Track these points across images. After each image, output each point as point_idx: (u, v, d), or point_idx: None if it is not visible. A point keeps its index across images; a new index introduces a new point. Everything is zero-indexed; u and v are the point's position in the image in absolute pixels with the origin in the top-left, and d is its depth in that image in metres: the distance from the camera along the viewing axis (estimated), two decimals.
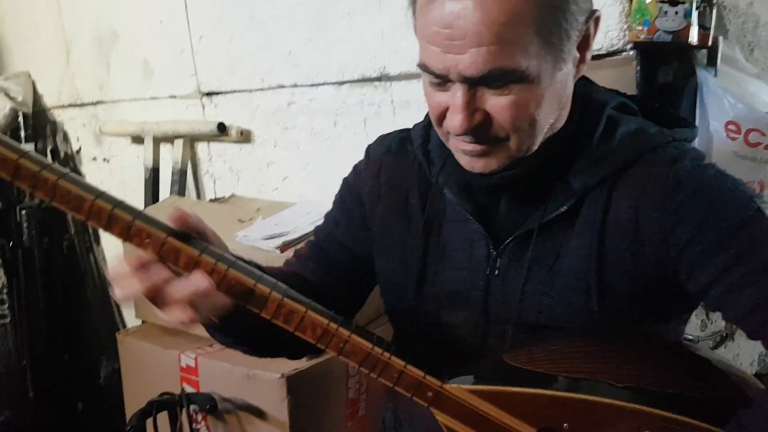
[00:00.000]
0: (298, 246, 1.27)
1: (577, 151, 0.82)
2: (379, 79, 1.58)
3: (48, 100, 2.52)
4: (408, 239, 0.91)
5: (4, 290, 2.26)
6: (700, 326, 1.40)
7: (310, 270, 0.96)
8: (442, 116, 0.77)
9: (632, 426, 0.73)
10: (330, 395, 1.37)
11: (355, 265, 0.96)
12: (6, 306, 2.25)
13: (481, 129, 0.74)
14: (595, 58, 1.24)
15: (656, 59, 1.22)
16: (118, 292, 0.70)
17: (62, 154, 2.52)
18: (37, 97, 2.54)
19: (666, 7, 1.12)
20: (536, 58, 0.70)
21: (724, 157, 1.22)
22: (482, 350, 0.87)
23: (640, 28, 1.15)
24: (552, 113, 0.77)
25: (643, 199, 0.78)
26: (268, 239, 1.29)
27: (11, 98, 2.45)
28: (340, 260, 0.96)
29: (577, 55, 0.76)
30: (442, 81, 0.74)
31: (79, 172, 2.52)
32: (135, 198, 2.22)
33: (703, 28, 1.15)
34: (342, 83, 1.65)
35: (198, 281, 0.70)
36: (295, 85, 1.74)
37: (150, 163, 2.08)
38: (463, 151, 0.78)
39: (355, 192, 0.96)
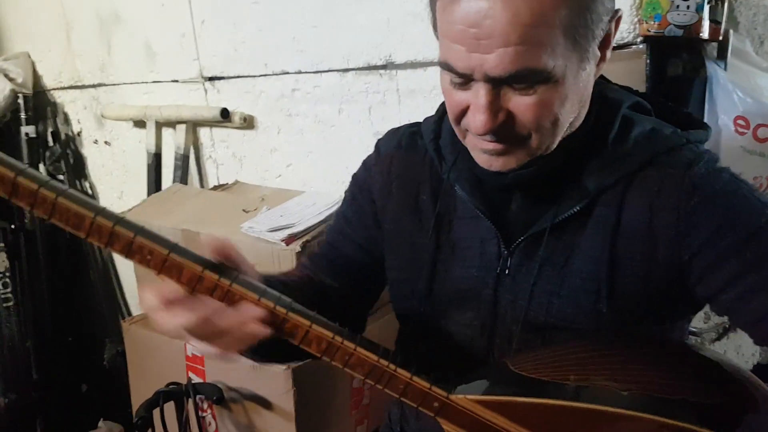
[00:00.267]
0: (304, 238, 1.27)
1: (592, 151, 0.81)
2: (384, 67, 1.56)
3: (48, 82, 2.49)
4: (418, 236, 0.90)
5: (7, 274, 2.27)
6: (703, 319, 1.40)
7: (324, 270, 0.95)
8: (461, 114, 0.76)
9: None
10: (335, 386, 1.38)
11: (368, 262, 0.96)
12: (9, 290, 2.26)
13: (503, 128, 0.73)
14: None
15: (666, 52, 1.20)
16: (164, 325, 0.69)
17: (63, 136, 2.51)
18: (36, 78, 2.51)
19: (678, 1, 1.10)
20: (562, 58, 0.69)
21: (733, 152, 1.21)
22: (489, 350, 0.87)
23: (651, 22, 1.13)
24: (573, 112, 0.77)
25: (658, 202, 0.77)
26: (273, 231, 1.29)
27: (11, 79, 2.43)
28: (353, 259, 0.96)
29: (599, 54, 0.75)
30: (464, 80, 0.72)
31: (80, 155, 2.51)
32: (138, 183, 2.22)
33: (715, 22, 1.13)
34: (347, 71, 1.63)
35: (250, 311, 0.69)
36: (300, 72, 1.72)
37: (152, 148, 2.07)
38: (482, 150, 0.77)
39: (365, 189, 0.96)
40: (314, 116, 1.74)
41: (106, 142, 2.40)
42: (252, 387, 1.32)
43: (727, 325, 1.46)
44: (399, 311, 0.96)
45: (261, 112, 1.85)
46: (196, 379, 1.40)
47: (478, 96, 0.71)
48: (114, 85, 2.25)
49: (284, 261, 1.28)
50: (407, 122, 1.57)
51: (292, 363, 1.28)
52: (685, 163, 0.78)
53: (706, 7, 1.11)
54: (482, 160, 0.78)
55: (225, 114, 1.85)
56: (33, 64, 2.50)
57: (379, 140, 0.99)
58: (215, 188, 1.79)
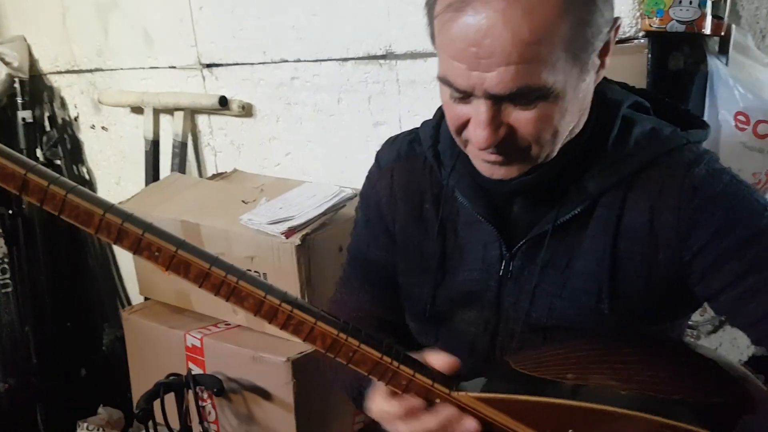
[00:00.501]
0: (303, 231, 1.28)
1: (592, 152, 0.82)
2: (384, 57, 1.56)
3: (44, 66, 2.47)
4: (425, 244, 0.92)
5: (6, 260, 2.27)
6: (699, 311, 1.42)
7: (357, 290, 1.00)
8: (462, 127, 0.76)
9: None
10: None
11: (396, 278, 0.97)
12: (8, 276, 2.26)
13: (504, 142, 0.74)
14: None
15: (668, 47, 1.20)
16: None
17: (60, 121, 2.49)
18: (33, 62, 2.49)
19: None
20: (562, 74, 0.69)
21: (733, 148, 1.21)
22: (491, 348, 0.89)
23: (653, 17, 1.13)
24: (573, 121, 0.77)
25: (659, 203, 0.78)
26: (273, 224, 1.29)
27: (7, 63, 2.40)
28: (383, 281, 0.98)
29: (598, 62, 0.75)
30: (464, 95, 0.73)
31: (77, 140, 2.50)
32: (135, 169, 2.21)
33: (717, 17, 1.13)
34: (346, 60, 1.62)
35: (472, 426, 0.75)
36: (299, 60, 1.71)
37: (150, 135, 2.06)
38: (484, 160, 0.78)
39: (374, 206, 0.97)
40: (313, 105, 1.73)
41: (103, 128, 2.39)
42: (252, 378, 1.33)
43: (722, 318, 1.48)
44: (408, 315, 0.97)
45: (260, 100, 1.85)
46: (196, 370, 1.40)
47: (478, 111, 0.71)
48: (111, 70, 2.24)
49: (284, 254, 1.28)
50: (407, 113, 1.59)
51: (291, 355, 1.30)
52: (686, 164, 0.79)
53: (709, 3, 1.11)
54: (484, 169, 0.79)
55: (223, 102, 1.84)
56: (29, 47, 2.47)
57: (378, 152, 0.99)
58: (214, 177, 1.79)
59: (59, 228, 2.45)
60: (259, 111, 1.86)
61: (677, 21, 1.11)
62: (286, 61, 1.74)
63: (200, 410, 1.34)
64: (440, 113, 0.92)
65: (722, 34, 1.17)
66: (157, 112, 2.05)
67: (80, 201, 0.70)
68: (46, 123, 2.47)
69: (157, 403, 1.26)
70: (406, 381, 0.76)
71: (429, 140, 0.92)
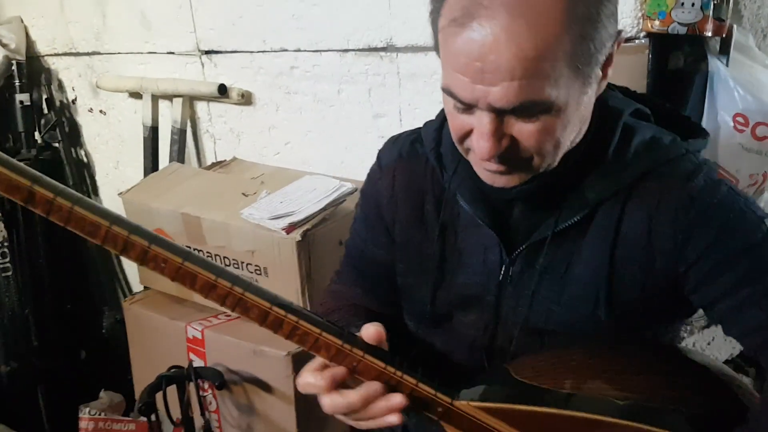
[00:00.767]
0: (304, 227, 1.29)
1: (593, 161, 0.82)
2: (385, 49, 1.55)
3: (41, 47, 2.45)
4: (425, 245, 0.93)
5: (5, 243, 2.28)
6: None
7: (355, 282, 1.01)
8: (465, 136, 0.77)
9: None
10: None
11: (393, 276, 0.99)
12: (7, 259, 2.27)
13: (506, 153, 0.75)
14: None
15: (668, 49, 1.20)
16: (329, 406, 0.76)
17: (57, 104, 2.48)
18: (29, 44, 2.47)
19: None
20: (565, 88, 0.70)
21: (731, 149, 1.22)
22: (490, 350, 0.91)
23: (655, 18, 1.13)
24: (575, 132, 0.78)
25: (657, 213, 0.79)
26: (274, 219, 1.30)
27: (4, 45, 2.38)
28: (379, 277, 1.00)
29: (600, 74, 0.76)
30: (468, 107, 0.73)
31: (75, 123, 2.49)
32: (134, 153, 2.21)
33: (719, 19, 1.13)
34: (347, 51, 1.62)
35: (397, 400, 0.75)
36: (299, 50, 1.70)
37: (149, 122, 2.05)
38: (485, 169, 0.79)
39: (374, 205, 0.97)
40: (313, 95, 1.73)
41: (101, 111, 2.38)
42: (253, 371, 1.35)
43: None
44: (407, 313, 0.99)
45: (259, 89, 1.84)
46: (197, 361, 1.42)
47: (482, 123, 0.72)
48: (109, 54, 2.22)
49: (284, 249, 1.29)
50: (407, 106, 1.59)
51: (291, 349, 1.32)
52: (685, 175, 0.79)
53: (711, 5, 1.11)
54: (486, 176, 0.80)
55: (222, 90, 1.83)
56: (26, 29, 2.45)
57: (380, 151, 1.00)
58: (213, 165, 1.79)
59: None
60: (258, 99, 1.85)
61: (679, 23, 1.11)
62: (286, 50, 1.73)
63: (201, 401, 1.36)
64: (443, 115, 0.92)
65: (724, 35, 1.17)
66: (155, 98, 2.05)
67: (86, 213, 0.71)
68: (44, 106, 2.45)
69: (159, 397, 1.28)
70: (409, 390, 0.77)
71: (431, 142, 0.93)
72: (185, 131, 2.00)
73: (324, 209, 1.33)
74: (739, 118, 1.20)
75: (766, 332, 0.78)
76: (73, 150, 2.50)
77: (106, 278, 2.53)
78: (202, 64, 1.94)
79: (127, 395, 2.28)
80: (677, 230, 0.78)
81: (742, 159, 1.22)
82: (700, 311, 1.39)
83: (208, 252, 1.41)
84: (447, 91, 0.74)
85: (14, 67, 2.39)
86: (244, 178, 1.62)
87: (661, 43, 1.20)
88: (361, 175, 1.60)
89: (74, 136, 2.50)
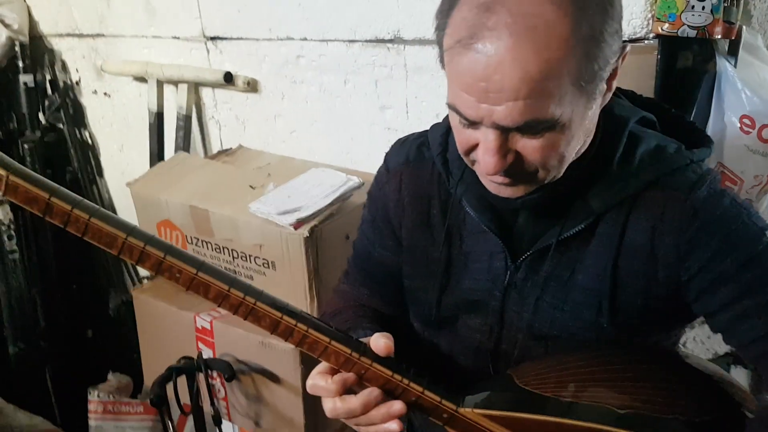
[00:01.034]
0: (312, 223, 1.30)
1: (598, 170, 0.83)
2: (392, 41, 1.55)
3: (44, 28, 2.43)
4: (431, 250, 0.94)
5: (12, 226, 2.29)
6: None
7: (363, 284, 1.03)
8: (470, 150, 0.78)
9: None
10: None
11: (400, 278, 1.00)
12: (14, 242, 2.29)
13: (511, 167, 0.76)
14: None
15: (677, 48, 1.20)
16: (331, 410, 0.80)
17: (61, 84, 2.47)
18: (32, 24, 2.45)
19: (694, 1, 1.09)
20: (569, 105, 0.71)
21: (736, 150, 1.23)
22: (495, 353, 0.93)
23: (665, 21, 1.12)
24: (579, 144, 0.79)
25: (660, 224, 0.81)
26: (282, 214, 1.31)
27: (7, 26, 2.37)
28: (386, 279, 1.01)
29: (605, 87, 0.76)
30: (473, 123, 0.74)
31: (79, 105, 2.48)
32: (138, 136, 2.21)
33: (729, 22, 1.13)
34: (353, 41, 1.61)
35: (397, 407, 0.78)
36: (305, 39, 1.70)
37: (154, 107, 2.05)
38: (491, 180, 0.80)
39: (381, 208, 0.99)
40: (319, 85, 1.73)
41: (105, 94, 2.37)
42: (261, 362, 1.38)
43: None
44: (413, 314, 1.01)
45: (265, 77, 1.84)
46: (206, 351, 1.45)
47: (487, 139, 0.73)
48: (113, 36, 2.21)
49: (292, 244, 1.31)
50: (414, 98, 1.59)
51: None
52: (688, 186, 0.80)
53: (721, 8, 1.10)
54: (491, 187, 0.81)
55: (228, 78, 1.83)
56: (28, 9, 2.43)
57: (387, 154, 1.01)
58: (219, 154, 1.80)
59: None
60: (264, 87, 1.85)
61: (689, 26, 1.11)
62: (292, 38, 1.72)
63: (211, 389, 1.39)
64: (450, 122, 0.93)
65: (733, 37, 1.17)
66: (160, 84, 2.04)
67: (103, 225, 0.72)
68: (48, 87, 2.44)
69: (170, 388, 1.31)
70: (415, 397, 0.80)
71: (438, 147, 0.94)
72: (190, 117, 2.00)
73: (331, 204, 1.34)
74: (746, 120, 1.20)
75: (766, 343, 0.80)
76: (77, 131, 2.50)
77: (112, 259, 2.55)
78: (208, 50, 1.93)
79: (135, 375, 2.32)
80: (680, 241, 0.80)
81: (747, 160, 1.22)
82: None
83: (216, 244, 1.43)
84: (452, 108, 0.75)
85: (17, 48, 2.38)
86: (251, 168, 1.63)
87: (670, 45, 1.20)
88: (367, 166, 1.62)
89: (78, 117, 2.50)
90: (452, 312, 0.94)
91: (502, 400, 0.82)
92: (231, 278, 0.76)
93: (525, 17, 0.66)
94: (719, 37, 1.14)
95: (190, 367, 1.33)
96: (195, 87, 1.99)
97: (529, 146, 0.73)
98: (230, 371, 1.33)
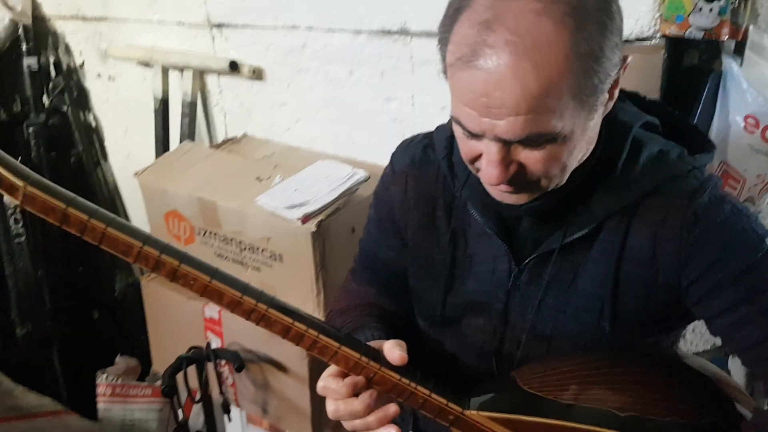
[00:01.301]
0: (319, 217, 1.32)
1: (601, 175, 0.85)
2: (398, 33, 1.55)
3: (47, 10, 2.42)
4: (436, 251, 0.96)
5: (18, 209, 2.31)
6: None
7: (374, 296, 1.05)
8: (474, 159, 0.80)
9: None
10: None
11: (406, 277, 1.02)
12: (20, 225, 2.31)
13: (514, 177, 0.77)
14: (624, 42, 1.23)
15: (684, 47, 1.21)
16: (333, 412, 0.82)
17: (65, 67, 2.47)
18: (35, 5, 2.44)
19: (701, 3, 1.10)
20: (570, 119, 0.72)
21: (740, 149, 1.24)
22: (498, 353, 0.95)
23: (672, 22, 1.13)
24: (581, 152, 0.80)
25: (661, 231, 0.82)
26: (289, 209, 1.33)
27: (9, 8, 2.36)
28: (392, 278, 1.04)
29: (607, 97, 0.77)
30: (475, 135, 0.76)
31: (83, 87, 2.48)
32: (142, 121, 2.22)
33: (736, 24, 1.13)
34: (359, 32, 1.61)
35: (392, 410, 0.82)
36: (311, 28, 1.69)
37: (159, 94, 2.06)
38: (495, 188, 0.81)
39: (387, 209, 1.00)
40: (324, 74, 1.73)
41: (109, 77, 2.37)
42: (268, 352, 1.41)
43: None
44: (418, 313, 1.03)
45: (270, 65, 1.84)
46: (214, 340, 1.48)
47: (490, 151, 0.75)
48: (117, 20, 2.20)
49: (299, 238, 1.33)
50: (420, 91, 1.59)
51: None
52: (689, 193, 0.82)
53: (729, 10, 1.11)
54: (495, 194, 0.83)
55: (234, 66, 1.83)
56: None
57: (393, 154, 1.02)
58: (224, 143, 1.80)
59: (67, 176, 2.48)
60: (269, 75, 1.85)
61: (696, 28, 1.11)
62: (297, 27, 1.72)
63: (219, 377, 1.42)
64: None
65: (740, 38, 1.17)
66: (165, 70, 2.04)
67: (119, 234, 0.74)
68: (52, 70, 2.44)
69: (180, 377, 1.34)
70: (422, 399, 0.82)
71: (443, 150, 0.95)
72: (195, 104, 2.01)
73: (338, 198, 1.36)
74: (750, 120, 1.21)
75: (762, 349, 0.82)
76: (81, 114, 2.51)
77: None
78: (213, 37, 1.93)
79: (141, 356, 2.36)
80: (681, 247, 0.81)
81: (750, 159, 1.24)
82: None
83: (224, 236, 1.45)
84: (456, 121, 0.76)
85: (20, 31, 2.37)
86: (257, 158, 1.64)
87: (676, 44, 1.20)
88: (371, 157, 1.63)
89: (82, 101, 2.50)
90: (457, 312, 0.96)
91: (505, 402, 0.85)
92: (244, 285, 0.78)
93: (525, 35, 0.67)
94: (726, 38, 1.14)
95: (199, 357, 1.35)
96: (200, 74, 1.99)
97: (531, 157, 0.75)
98: (239, 361, 1.36)
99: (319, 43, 1.70)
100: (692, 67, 1.27)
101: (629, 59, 0.77)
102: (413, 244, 0.99)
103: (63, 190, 0.74)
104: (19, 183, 0.71)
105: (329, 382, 0.83)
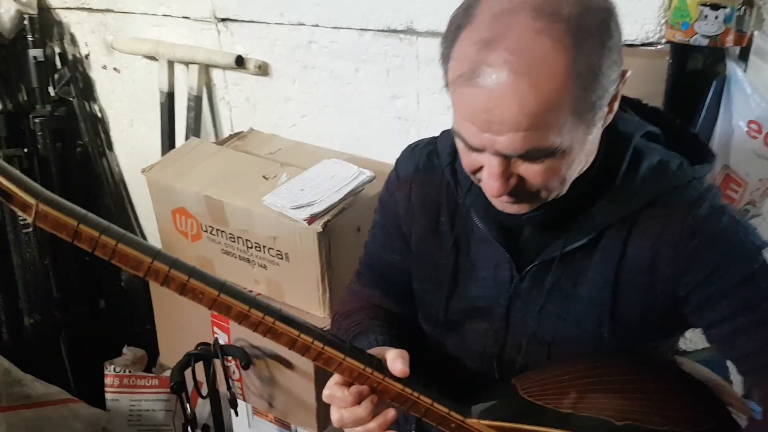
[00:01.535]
0: (325, 218, 1.33)
1: (601, 185, 0.86)
2: (404, 31, 1.55)
3: (53, 1, 2.42)
4: (440, 256, 0.98)
5: None
6: None
7: (379, 298, 1.08)
8: (476, 170, 0.81)
9: None
10: None
11: (410, 280, 1.05)
12: None
13: (515, 189, 0.79)
14: (629, 46, 1.23)
15: (689, 56, 1.21)
16: (337, 420, 0.86)
17: (70, 58, 2.47)
18: None
19: (707, 10, 1.10)
20: (569, 134, 0.74)
21: (743, 154, 1.25)
22: (500, 357, 0.97)
23: (678, 29, 1.13)
24: (581, 164, 0.82)
25: (660, 241, 0.84)
26: (296, 209, 1.34)
27: None
28: (396, 281, 1.06)
29: (606, 110, 0.79)
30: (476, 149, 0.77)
31: (89, 78, 2.49)
32: (148, 113, 2.23)
33: (741, 32, 1.13)
34: (365, 30, 1.61)
35: (390, 415, 0.85)
36: (317, 25, 1.70)
37: (165, 87, 2.06)
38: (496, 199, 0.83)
39: (391, 215, 1.02)
40: (330, 71, 1.73)
41: (115, 69, 2.38)
42: (274, 347, 1.43)
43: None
44: (422, 316, 1.05)
45: (276, 60, 1.84)
46: (221, 335, 1.50)
47: (490, 165, 0.77)
48: (123, 12, 2.20)
49: (305, 238, 1.34)
50: (425, 90, 1.60)
51: None
52: (689, 204, 0.83)
53: (734, 18, 1.11)
54: (497, 204, 0.85)
55: (240, 61, 1.84)
56: None
57: (398, 159, 1.03)
58: (230, 138, 1.81)
59: (73, 167, 2.49)
60: (275, 71, 1.86)
61: (701, 35, 1.12)
62: (303, 24, 1.72)
63: (226, 372, 1.45)
64: None
65: (744, 45, 1.17)
66: (171, 64, 2.05)
67: (130, 250, 0.76)
68: (57, 61, 2.45)
69: (188, 373, 1.36)
70: (425, 408, 0.85)
71: (447, 157, 0.97)
72: (201, 98, 2.01)
73: (344, 199, 1.37)
74: (753, 125, 1.22)
75: (758, 358, 0.84)
76: (87, 104, 2.51)
77: None
78: (218, 32, 1.93)
79: (147, 345, 2.40)
80: (679, 258, 0.83)
81: (753, 164, 1.24)
82: None
83: (230, 234, 1.47)
84: (457, 135, 0.78)
85: (26, 22, 2.37)
86: (263, 155, 1.65)
87: (681, 48, 1.20)
88: (376, 154, 1.65)
89: (88, 91, 2.50)
90: (459, 316, 0.99)
91: (505, 410, 0.87)
92: (251, 299, 0.80)
93: (524, 54, 0.69)
94: (731, 45, 1.14)
95: (207, 354, 1.38)
96: (206, 68, 1.99)
97: (531, 171, 0.77)
98: (246, 358, 1.38)
99: (324, 40, 1.71)
100: (696, 71, 1.27)
101: (628, 74, 0.79)
102: (417, 250, 1.01)
103: (75, 207, 0.75)
104: (32, 201, 0.73)
105: (335, 390, 0.85)
